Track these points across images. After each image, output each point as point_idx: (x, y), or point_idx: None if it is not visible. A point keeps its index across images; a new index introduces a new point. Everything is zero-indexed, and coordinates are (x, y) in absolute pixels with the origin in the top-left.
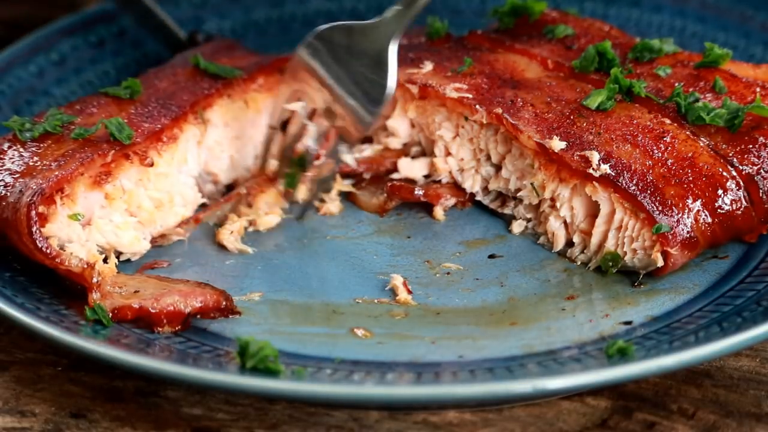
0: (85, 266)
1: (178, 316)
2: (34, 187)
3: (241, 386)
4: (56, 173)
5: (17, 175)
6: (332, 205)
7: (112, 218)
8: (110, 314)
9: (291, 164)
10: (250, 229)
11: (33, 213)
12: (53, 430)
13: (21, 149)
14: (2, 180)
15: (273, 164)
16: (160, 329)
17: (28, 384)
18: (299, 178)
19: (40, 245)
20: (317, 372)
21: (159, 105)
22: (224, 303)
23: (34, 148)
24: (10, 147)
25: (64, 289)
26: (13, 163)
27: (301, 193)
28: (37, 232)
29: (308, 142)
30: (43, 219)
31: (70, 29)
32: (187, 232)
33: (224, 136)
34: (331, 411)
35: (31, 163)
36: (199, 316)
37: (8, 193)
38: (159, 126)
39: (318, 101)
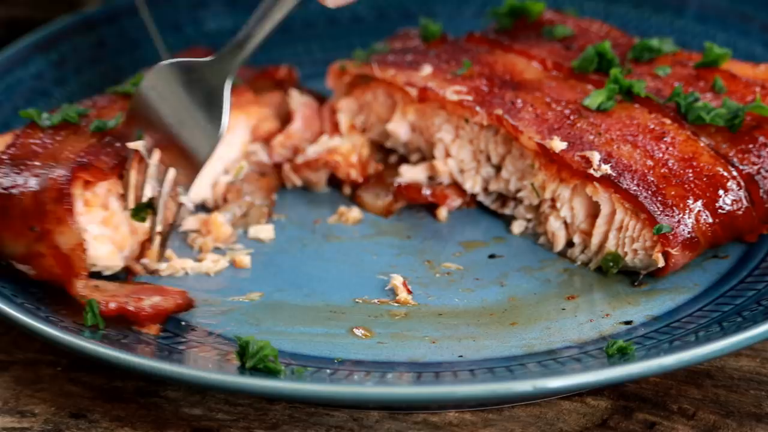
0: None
1: (161, 315)
2: (68, 167)
3: (241, 386)
4: (100, 161)
5: (40, 157)
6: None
7: (88, 228)
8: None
9: (141, 207)
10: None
11: (71, 182)
12: (53, 430)
13: (40, 134)
14: (24, 161)
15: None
16: (141, 329)
17: (28, 384)
18: (147, 216)
19: (69, 208)
20: (317, 372)
21: None
22: (188, 301)
23: (53, 137)
24: (27, 134)
25: (63, 289)
26: (33, 146)
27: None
28: (72, 196)
29: (149, 181)
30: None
31: (69, 29)
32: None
33: None
34: (331, 411)
35: (52, 150)
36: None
37: (30, 173)
38: None
39: (157, 139)
